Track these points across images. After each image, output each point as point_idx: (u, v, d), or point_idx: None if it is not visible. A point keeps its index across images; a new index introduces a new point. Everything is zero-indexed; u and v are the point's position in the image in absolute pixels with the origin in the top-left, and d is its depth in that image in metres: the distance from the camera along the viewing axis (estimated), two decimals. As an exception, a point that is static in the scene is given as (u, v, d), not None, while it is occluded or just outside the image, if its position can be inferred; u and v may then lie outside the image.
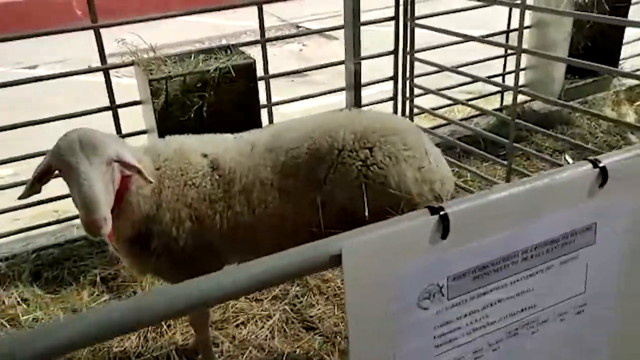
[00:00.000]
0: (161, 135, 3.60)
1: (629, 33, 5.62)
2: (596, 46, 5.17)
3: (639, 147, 1.06)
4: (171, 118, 3.68)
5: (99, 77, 3.89)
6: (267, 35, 4.22)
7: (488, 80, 4.05)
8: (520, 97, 5.54)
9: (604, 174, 1.01)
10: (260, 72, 4.08)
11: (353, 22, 4.22)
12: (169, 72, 3.64)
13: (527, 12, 5.25)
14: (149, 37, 3.87)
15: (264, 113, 4.42)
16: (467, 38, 4.12)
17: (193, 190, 2.56)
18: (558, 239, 1.02)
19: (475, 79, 4.16)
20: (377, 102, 4.90)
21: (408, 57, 4.61)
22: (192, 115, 3.70)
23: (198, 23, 9.99)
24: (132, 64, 3.86)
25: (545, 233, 1.00)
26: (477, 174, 4.49)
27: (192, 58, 3.87)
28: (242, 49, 4.07)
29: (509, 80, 5.49)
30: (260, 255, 2.89)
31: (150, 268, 2.71)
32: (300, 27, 10.47)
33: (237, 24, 10.70)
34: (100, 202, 2.11)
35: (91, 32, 3.69)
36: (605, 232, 1.05)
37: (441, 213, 0.88)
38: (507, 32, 5.16)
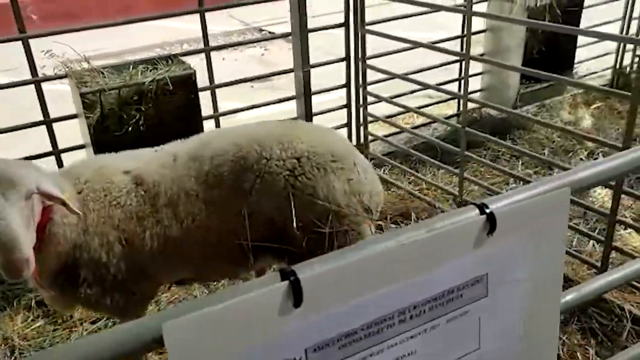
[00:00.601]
0: (97, 150, 3.44)
1: (583, 36, 5.62)
2: (551, 50, 5.12)
3: (528, 188, 0.95)
4: (108, 132, 3.51)
5: (58, 84, 3.74)
6: (230, 40, 4.09)
7: (437, 87, 3.96)
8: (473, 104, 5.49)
9: (492, 220, 0.90)
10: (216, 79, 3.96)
11: (300, 29, 4.09)
12: (105, 85, 3.47)
13: (481, 18, 5.21)
14: (109, 42, 3.72)
15: (212, 123, 4.30)
16: (416, 44, 4.03)
17: (119, 210, 2.42)
18: (441, 295, 0.91)
19: (426, 86, 4.07)
20: (332, 110, 4.78)
21: (360, 64, 4.50)
22: (130, 129, 3.54)
23: (161, 27, 9.80)
24: (66, 75, 3.68)
25: (426, 290, 0.88)
26: (432, 183, 4.41)
27: (131, 69, 3.70)
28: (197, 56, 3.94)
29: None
30: (189, 270, 2.74)
31: (78, 300, 2.55)
32: (263, 30, 10.32)
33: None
34: (21, 241, 1.95)
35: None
36: (498, 283, 0.94)
37: (292, 279, 0.75)
38: (462, 37, 5.09)
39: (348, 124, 4.78)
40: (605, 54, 6.05)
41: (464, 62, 5.19)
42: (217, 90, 4.36)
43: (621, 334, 3.20)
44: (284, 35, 4.44)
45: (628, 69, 6.15)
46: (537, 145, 5.10)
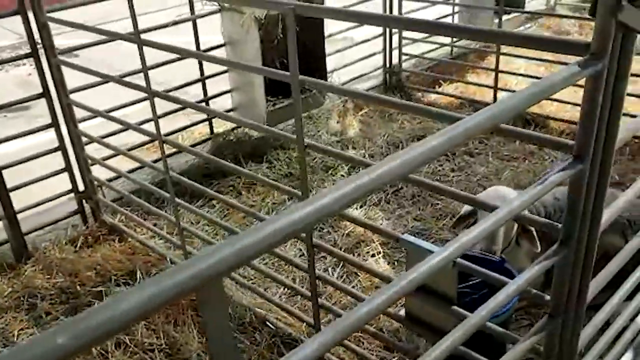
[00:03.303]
0: None
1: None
2: (302, 60, 4.73)
3: None
4: None
5: None
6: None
7: (137, 127, 3.34)
8: (226, 124, 4.98)
9: None
10: None
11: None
12: None
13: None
14: None
15: None
16: (105, 78, 3.38)
17: None
18: None
19: (127, 126, 3.44)
20: (43, 154, 3.98)
21: (63, 99, 3.77)
22: None
23: None
24: None
25: None
26: (157, 232, 3.82)
27: None
28: None
29: (224, 101, 4.91)
30: None
31: None
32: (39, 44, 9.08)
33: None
34: None
35: None
36: None
37: None
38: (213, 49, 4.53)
39: (67, 169, 4.02)
40: (372, 54, 5.83)
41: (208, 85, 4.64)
42: None
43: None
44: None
45: (398, 67, 6.01)
46: (296, 164, 4.70)
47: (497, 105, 1.20)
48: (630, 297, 2.28)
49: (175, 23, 3.90)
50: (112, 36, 3.11)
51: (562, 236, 1.67)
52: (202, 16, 4.29)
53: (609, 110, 1.53)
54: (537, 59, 5.36)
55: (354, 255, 3.80)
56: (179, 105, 4.35)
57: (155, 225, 4.09)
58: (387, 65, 5.94)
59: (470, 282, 2.42)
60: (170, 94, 4.53)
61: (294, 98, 2.35)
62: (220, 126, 4.98)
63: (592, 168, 1.59)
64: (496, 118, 1.19)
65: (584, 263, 1.74)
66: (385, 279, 2.55)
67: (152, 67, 3.29)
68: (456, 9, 6.22)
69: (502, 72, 5.26)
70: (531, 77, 5.27)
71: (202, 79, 4.58)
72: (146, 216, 4.18)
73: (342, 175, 4.63)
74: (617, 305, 2.09)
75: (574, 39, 1.41)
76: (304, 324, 2.99)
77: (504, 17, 5.68)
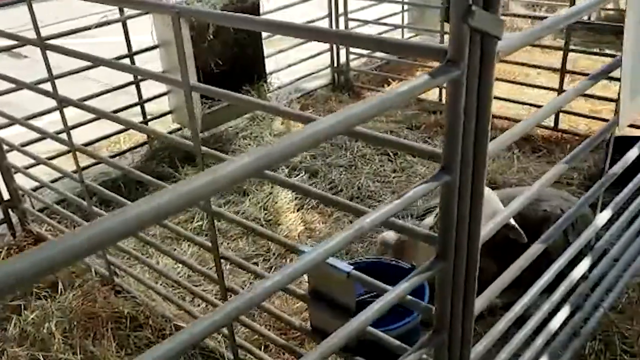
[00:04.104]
0: None
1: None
2: (238, 61, 4.65)
3: None
4: None
5: None
6: None
7: (54, 136, 3.20)
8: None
9: None
10: None
11: None
12: None
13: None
14: None
15: None
16: (19, 85, 3.23)
17: None
18: None
19: (43, 135, 3.31)
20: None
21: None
22: None
23: None
24: None
25: None
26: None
27: None
28: None
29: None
30: None
31: None
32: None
33: None
34: None
35: None
36: None
37: None
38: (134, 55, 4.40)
39: (-11, 177, 3.88)
40: (319, 53, 5.75)
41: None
42: None
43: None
44: None
45: (346, 66, 5.93)
46: (236, 167, 4.58)
47: (339, 113, 1.11)
48: (547, 290, 2.20)
49: (98, 25, 3.76)
50: (18, 40, 2.96)
51: (438, 249, 1.60)
52: (131, 17, 4.16)
53: (476, 118, 1.46)
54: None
55: (288, 259, 3.72)
56: (116, 107, 4.28)
57: (85, 234, 3.97)
58: (335, 64, 5.86)
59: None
60: (110, 94, 4.47)
61: (188, 105, 2.25)
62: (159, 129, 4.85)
63: (463, 179, 1.52)
64: (332, 128, 1.10)
65: (467, 276, 1.67)
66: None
67: (60, 76, 3.15)
68: (405, 7, 6.15)
69: (447, 70, 5.20)
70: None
71: (137, 82, 4.45)
72: (75, 225, 4.04)
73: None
74: (519, 313, 2.03)
75: (432, 45, 1.33)
76: (221, 335, 2.91)
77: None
